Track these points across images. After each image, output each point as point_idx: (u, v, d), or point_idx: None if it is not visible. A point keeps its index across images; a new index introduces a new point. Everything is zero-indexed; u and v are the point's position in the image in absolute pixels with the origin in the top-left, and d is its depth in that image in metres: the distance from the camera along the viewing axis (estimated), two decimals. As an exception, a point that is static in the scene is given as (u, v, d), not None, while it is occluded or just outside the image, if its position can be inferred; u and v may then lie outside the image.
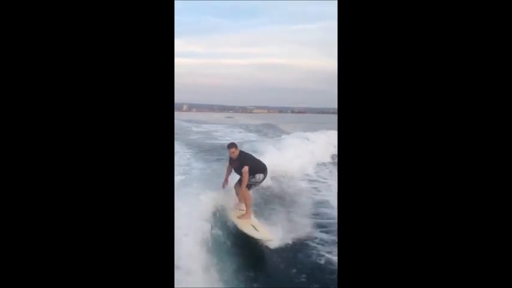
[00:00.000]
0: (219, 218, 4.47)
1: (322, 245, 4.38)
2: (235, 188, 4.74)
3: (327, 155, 11.11)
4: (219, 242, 3.96)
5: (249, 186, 4.58)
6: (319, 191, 7.01)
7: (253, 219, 4.54)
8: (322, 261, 3.95)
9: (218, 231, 4.13)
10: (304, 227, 4.81)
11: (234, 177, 4.83)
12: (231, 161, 4.72)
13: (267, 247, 4.24)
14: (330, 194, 6.53)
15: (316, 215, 5.40)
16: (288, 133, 18.11)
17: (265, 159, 5.49)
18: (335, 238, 4.29)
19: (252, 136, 17.11)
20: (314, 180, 8.03)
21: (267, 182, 5.22)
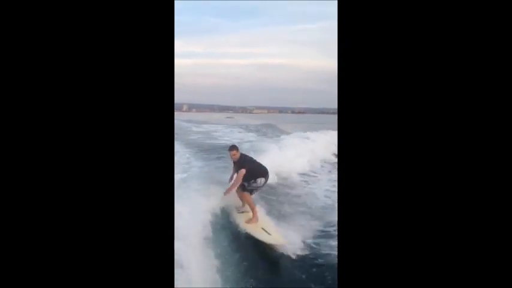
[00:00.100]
0: (219, 216, 4.48)
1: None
2: (236, 192, 4.66)
3: (327, 155, 11.12)
4: (219, 241, 3.96)
5: (250, 191, 4.53)
6: (317, 190, 7.03)
7: (263, 220, 4.45)
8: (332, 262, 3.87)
9: (217, 230, 4.13)
10: (306, 230, 4.73)
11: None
12: (234, 164, 4.66)
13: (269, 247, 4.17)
14: (328, 194, 6.52)
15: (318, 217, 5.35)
16: (288, 133, 18.11)
17: (264, 160, 5.49)
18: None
19: (251, 136, 17.10)
20: (313, 180, 8.05)
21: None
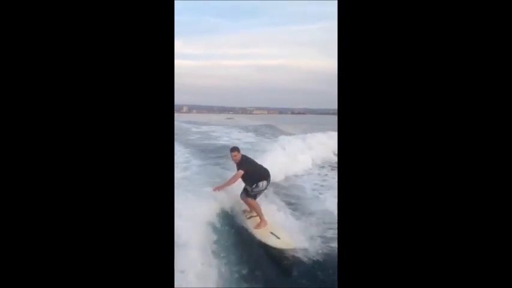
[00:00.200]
0: (219, 214, 4.43)
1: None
2: (241, 197, 4.63)
3: (326, 156, 11.12)
4: (218, 239, 3.91)
5: (254, 196, 4.47)
6: (318, 192, 7.01)
7: (272, 224, 4.39)
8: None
9: (217, 229, 4.08)
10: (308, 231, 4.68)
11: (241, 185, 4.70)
12: (236, 165, 4.62)
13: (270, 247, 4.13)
14: (327, 195, 6.50)
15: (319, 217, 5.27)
16: (287, 134, 18.10)
17: (263, 160, 5.47)
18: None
19: (250, 137, 17.09)
20: (312, 180, 8.03)
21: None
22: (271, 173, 4.67)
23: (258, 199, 4.57)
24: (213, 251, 3.54)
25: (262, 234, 4.17)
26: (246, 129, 22.19)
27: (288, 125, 31.59)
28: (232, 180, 4.42)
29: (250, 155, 5.02)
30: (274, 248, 3.98)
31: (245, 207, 4.70)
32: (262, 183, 4.45)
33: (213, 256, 3.45)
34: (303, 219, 5.08)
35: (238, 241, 4.22)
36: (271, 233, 4.17)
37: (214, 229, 4.00)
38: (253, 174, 4.45)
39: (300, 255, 3.97)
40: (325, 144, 12.46)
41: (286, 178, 7.66)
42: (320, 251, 4.08)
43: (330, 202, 5.80)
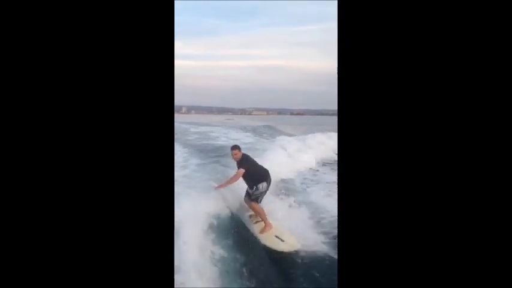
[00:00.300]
0: (218, 213, 4.43)
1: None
2: (244, 200, 4.62)
3: (325, 157, 11.11)
4: (218, 238, 3.92)
5: (256, 199, 4.44)
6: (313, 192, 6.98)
7: (277, 227, 4.37)
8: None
9: (216, 227, 4.08)
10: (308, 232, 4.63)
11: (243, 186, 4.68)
12: (236, 164, 4.62)
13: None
14: (326, 195, 6.47)
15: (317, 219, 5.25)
16: (286, 134, 18.16)
17: (262, 160, 5.44)
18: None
19: (249, 137, 17.09)
20: (310, 181, 8.02)
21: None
22: (270, 172, 4.65)
23: (264, 199, 4.53)
24: (212, 251, 3.54)
25: (267, 238, 4.15)
26: (244, 129, 22.22)
27: (287, 126, 31.66)
28: (234, 178, 4.39)
29: (249, 155, 4.99)
30: (279, 252, 3.94)
31: (250, 210, 4.67)
32: (262, 185, 4.41)
33: (212, 256, 3.44)
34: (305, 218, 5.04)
35: (239, 241, 4.21)
36: (276, 236, 4.14)
37: (214, 228, 4.00)
38: (254, 174, 4.43)
39: (303, 256, 3.95)
40: (324, 144, 12.50)
41: (285, 177, 7.63)
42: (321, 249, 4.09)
43: (331, 202, 5.80)
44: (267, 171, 4.57)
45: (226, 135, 17.65)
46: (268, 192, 4.62)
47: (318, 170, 9.43)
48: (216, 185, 4.50)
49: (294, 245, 3.99)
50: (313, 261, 3.89)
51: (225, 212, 4.60)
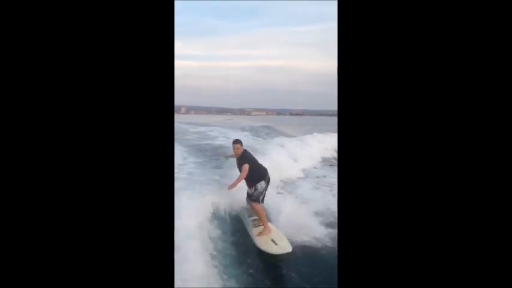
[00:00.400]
0: (216, 212, 4.51)
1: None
2: (247, 202, 4.59)
3: (324, 157, 11.09)
4: (216, 236, 3.98)
5: (257, 199, 4.42)
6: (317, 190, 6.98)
7: (274, 230, 4.39)
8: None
9: (214, 225, 4.16)
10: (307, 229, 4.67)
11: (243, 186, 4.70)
12: (237, 159, 4.62)
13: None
14: (324, 195, 6.49)
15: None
16: (285, 135, 18.13)
17: (261, 160, 5.46)
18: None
19: (247, 137, 17.08)
20: (310, 181, 8.02)
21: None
22: (270, 172, 4.65)
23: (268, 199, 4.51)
24: (210, 250, 3.57)
25: (261, 241, 4.17)
26: (243, 129, 22.18)
27: (286, 126, 31.58)
28: (243, 175, 4.35)
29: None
30: (270, 254, 4.00)
31: (253, 214, 4.67)
32: (261, 185, 4.40)
33: (210, 255, 3.46)
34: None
35: (236, 241, 4.25)
36: (272, 240, 4.17)
37: (212, 226, 4.05)
38: (253, 172, 4.42)
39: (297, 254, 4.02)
40: (323, 144, 12.45)
41: (284, 176, 7.64)
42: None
43: (329, 200, 5.83)
44: (266, 169, 4.57)
45: (225, 134, 17.72)
46: (271, 190, 4.62)
47: (315, 168, 9.47)
48: (229, 186, 4.48)
49: (285, 247, 4.04)
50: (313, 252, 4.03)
51: (222, 210, 4.66)
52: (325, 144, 12.70)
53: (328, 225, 4.76)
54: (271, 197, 5.03)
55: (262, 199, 4.48)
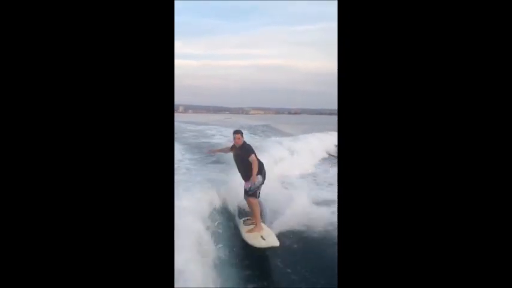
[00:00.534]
0: (213, 209, 4.48)
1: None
2: (244, 198, 4.60)
3: (322, 156, 11.10)
4: (214, 236, 3.93)
5: (254, 194, 4.42)
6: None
7: (264, 228, 4.42)
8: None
9: (212, 224, 4.11)
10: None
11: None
12: (233, 147, 4.63)
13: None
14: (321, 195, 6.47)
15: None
16: (284, 133, 18.18)
17: (260, 157, 5.42)
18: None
19: (246, 136, 17.04)
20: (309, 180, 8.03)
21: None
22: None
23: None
24: (206, 249, 3.49)
25: (250, 237, 4.22)
26: (241, 128, 22.13)
27: (285, 125, 31.74)
28: (254, 166, 4.29)
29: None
30: (259, 248, 4.06)
31: (248, 212, 4.70)
32: (258, 179, 4.36)
33: (207, 254, 3.40)
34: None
35: (232, 237, 4.30)
36: (261, 236, 4.22)
37: (209, 224, 4.00)
38: (250, 167, 4.37)
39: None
40: (322, 142, 12.54)
41: (283, 175, 7.63)
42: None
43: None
44: (262, 164, 4.55)
45: (222, 133, 17.78)
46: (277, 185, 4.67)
47: (314, 165, 9.58)
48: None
49: (273, 242, 4.10)
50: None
51: (220, 208, 4.67)
52: (325, 142, 12.77)
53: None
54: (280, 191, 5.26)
55: (259, 193, 4.49)
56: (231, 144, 4.82)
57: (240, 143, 4.47)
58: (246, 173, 4.40)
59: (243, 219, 4.69)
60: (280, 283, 3.63)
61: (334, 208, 4.91)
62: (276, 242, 4.07)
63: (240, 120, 38.75)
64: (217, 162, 7.33)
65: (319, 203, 5.57)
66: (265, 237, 4.16)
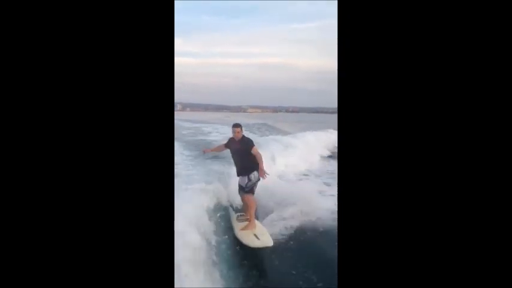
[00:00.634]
0: (210, 207, 4.49)
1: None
2: (239, 194, 4.58)
3: (321, 154, 11.08)
4: (212, 234, 3.93)
5: (250, 191, 4.38)
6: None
7: (258, 225, 4.38)
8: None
9: (210, 223, 4.11)
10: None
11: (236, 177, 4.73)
12: (231, 142, 4.58)
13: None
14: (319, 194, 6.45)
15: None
16: (283, 132, 18.18)
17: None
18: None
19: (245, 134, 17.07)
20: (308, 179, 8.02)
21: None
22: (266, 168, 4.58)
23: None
24: (205, 247, 3.48)
25: (243, 235, 4.17)
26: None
27: (283, 123, 31.73)
28: (259, 157, 4.23)
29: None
30: (252, 248, 4.01)
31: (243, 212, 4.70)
32: (254, 175, 4.33)
33: (206, 253, 3.40)
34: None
35: (230, 234, 4.29)
36: (254, 234, 4.17)
37: (207, 223, 3.99)
38: (247, 161, 4.36)
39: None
40: (322, 142, 12.54)
41: (282, 174, 7.64)
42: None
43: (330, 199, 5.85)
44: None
45: (218, 130, 17.81)
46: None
47: (313, 164, 9.60)
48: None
49: (267, 241, 4.03)
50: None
51: (217, 206, 4.69)
52: (324, 141, 12.76)
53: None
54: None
55: (254, 190, 4.45)
56: (225, 141, 4.79)
57: (240, 136, 4.42)
58: (245, 168, 4.37)
59: (237, 214, 4.67)
60: (281, 283, 3.59)
61: (333, 206, 4.93)
62: (270, 242, 4.00)
63: (238, 119, 38.69)
64: (216, 158, 7.34)
65: (317, 202, 5.55)
66: (259, 236, 4.09)
